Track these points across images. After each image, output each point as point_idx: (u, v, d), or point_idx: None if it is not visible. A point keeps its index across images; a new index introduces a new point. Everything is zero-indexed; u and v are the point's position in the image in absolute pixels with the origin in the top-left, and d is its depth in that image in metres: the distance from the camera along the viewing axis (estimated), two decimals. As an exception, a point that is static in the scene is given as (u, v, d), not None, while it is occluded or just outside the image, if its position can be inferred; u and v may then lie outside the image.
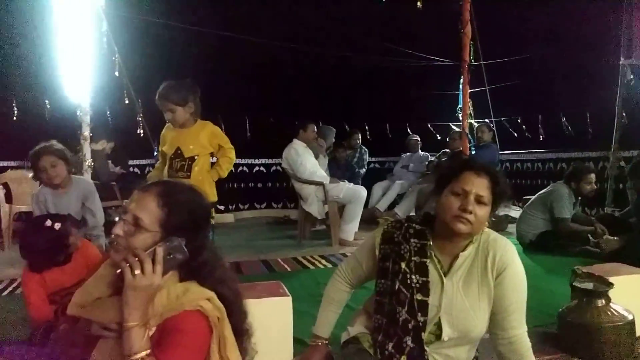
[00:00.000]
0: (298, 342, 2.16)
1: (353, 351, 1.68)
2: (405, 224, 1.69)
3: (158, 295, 1.17)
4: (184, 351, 1.16)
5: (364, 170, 6.55)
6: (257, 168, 7.35)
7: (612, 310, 2.15)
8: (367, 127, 7.42)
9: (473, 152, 5.34)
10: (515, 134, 6.72)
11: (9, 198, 4.87)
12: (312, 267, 4.06)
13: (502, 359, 1.64)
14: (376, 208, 6.05)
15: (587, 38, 5.12)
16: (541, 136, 6.37)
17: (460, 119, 5.12)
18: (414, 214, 5.89)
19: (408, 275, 1.60)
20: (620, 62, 4.97)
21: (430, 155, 6.69)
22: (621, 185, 5.17)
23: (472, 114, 5.64)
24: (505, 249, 1.61)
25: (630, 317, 2.14)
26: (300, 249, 4.73)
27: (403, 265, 1.61)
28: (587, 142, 5.88)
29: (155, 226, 1.20)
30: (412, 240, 1.64)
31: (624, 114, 5.12)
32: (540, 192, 4.52)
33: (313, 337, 1.84)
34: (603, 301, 2.17)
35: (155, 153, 6.26)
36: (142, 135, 6.29)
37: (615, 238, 3.99)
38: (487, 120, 6.01)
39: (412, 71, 6.76)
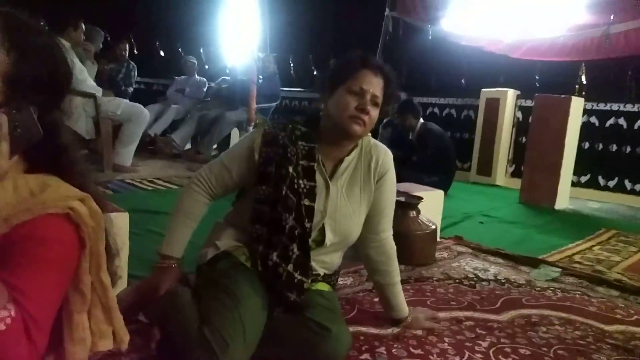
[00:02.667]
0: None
1: (228, 266, 1.45)
2: (290, 125, 1.51)
3: None
4: (43, 268, 0.72)
5: (132, 89, 5.78)
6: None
7: (420, 220, 2.44)
8: (133, 40, 6.50)
9: (260, 81, 5.29)
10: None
11: None
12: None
13: (370, 261, 1.67)
14: (148, 133, 5.46)
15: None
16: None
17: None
18: (192, 142, 5.58)
19: (295, 180, 1.45)
20: (385, 14, 5.54)
21: (209, 82, 6.33)
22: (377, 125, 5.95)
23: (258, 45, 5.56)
24: (386, 154, 1.62)
25: (433, 227, 2.47)
26: (62, 173, 3.90)
27: (290, 169, 1.45)
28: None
29: None
30: (299, 142, 1.48)
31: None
32: None
33: (161, 258, 1.52)
34: (414, 212, 2.44)
35: None
36: None
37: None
38: (272, 54, 6.00)
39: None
